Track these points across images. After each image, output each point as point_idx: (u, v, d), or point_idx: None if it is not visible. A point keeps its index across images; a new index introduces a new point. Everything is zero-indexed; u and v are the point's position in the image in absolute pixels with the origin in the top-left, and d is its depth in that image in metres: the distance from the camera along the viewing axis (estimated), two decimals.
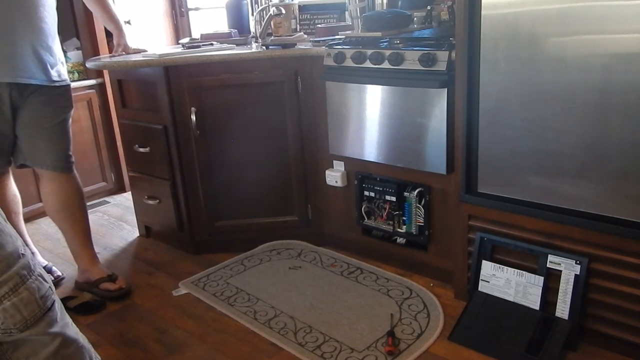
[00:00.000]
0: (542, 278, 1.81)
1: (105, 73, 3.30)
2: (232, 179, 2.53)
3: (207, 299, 2.24)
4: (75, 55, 3.38)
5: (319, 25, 2.74)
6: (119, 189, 3.66)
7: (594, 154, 1.63)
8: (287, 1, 2.84)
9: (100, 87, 3.45)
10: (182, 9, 3.95)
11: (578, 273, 1.73)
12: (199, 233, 2.63)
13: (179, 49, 2.58)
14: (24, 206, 2.54)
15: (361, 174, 2.35)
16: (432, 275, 2.26)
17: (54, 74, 2.13)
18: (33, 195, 3.09)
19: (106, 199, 3.56)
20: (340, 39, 2.35)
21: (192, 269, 2.50)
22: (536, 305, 1.83)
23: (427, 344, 1.86)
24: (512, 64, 1.72)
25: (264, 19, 2.75)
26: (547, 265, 1.79)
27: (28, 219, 2.96)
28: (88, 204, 2.45)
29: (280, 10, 2.61)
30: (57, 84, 2.15)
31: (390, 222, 2.29)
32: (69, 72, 2.26)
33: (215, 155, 2.49)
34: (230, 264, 2.52)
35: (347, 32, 2.41)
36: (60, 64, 2.19)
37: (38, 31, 2.07)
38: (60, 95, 2.18)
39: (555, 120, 1.67)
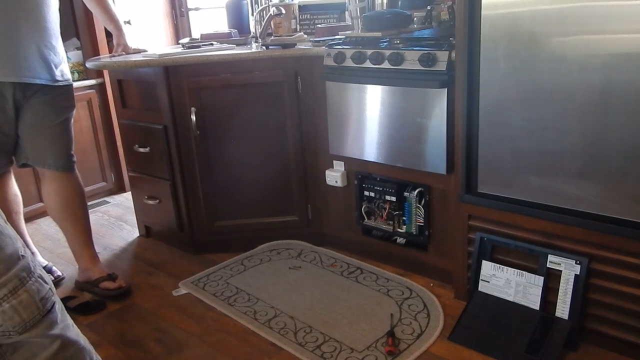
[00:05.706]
0: (542, 278, 1.81)
1: (105, 73, 3.30)
2: (232, 179, 2.53)
3: (207, 299, 2.24)
4: (75, 55, 3.38)
5: (319, 25, 2.74)
6: (119, 189, 3.67)
7: (594, 154, 1.62)
8: (287, 1, 2.84)
9: (100, 87, 3.45)
10: (182, 9, 3.94)
11: (578, 273, 1.73)
12: (198, 233, 2.63)
13: (179, 49, 2.58)
14: (24, 206, 2.54)
15: (361, 174, 2.35)
16: (432, 275, 2.26)
17: (57, 73, 2.14)
18: (33, 195, 3.10)
19: (106, 199, 3.56)
20: (340, 39, 2.34)
21: (192, 269, 2.50)
22: (536, 305, 1.83)
23: (427, 344, 1.86)
24: (512, 63, 1.71)
25: (264, 19, 2.75)
26: (547, 265, 1.79)
27: (28, 219, 2.96)
28: (88, 204, 2.45)
29: (280, 10, 2.60)
30: (60, 84, 2.16)
31: (390, 222, 2.29)
32: None
33: (215, 155, 2.49)
34: (230, 264, 2.52)
35: (347, 32, 2.40)
36: (63, 63, 2.19)
37: (42, 30, 2.07)
38: (62, 94, 2.18)
39: (555, 120, 1.67)
